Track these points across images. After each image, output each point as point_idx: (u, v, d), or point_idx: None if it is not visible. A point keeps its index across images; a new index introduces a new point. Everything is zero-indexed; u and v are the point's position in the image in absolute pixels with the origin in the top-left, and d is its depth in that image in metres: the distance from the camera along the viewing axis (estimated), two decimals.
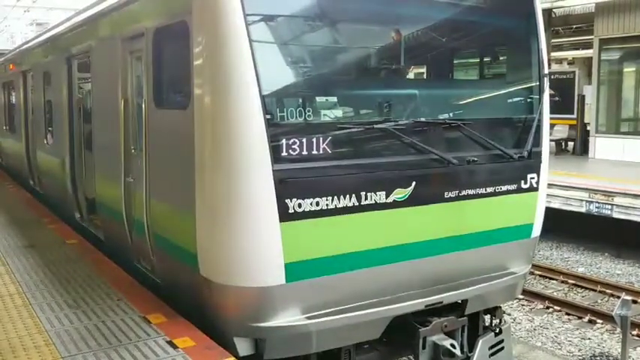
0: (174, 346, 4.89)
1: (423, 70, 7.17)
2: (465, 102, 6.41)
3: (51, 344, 4.93)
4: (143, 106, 6.21)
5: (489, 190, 6.02)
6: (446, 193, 5.73)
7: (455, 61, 7.16)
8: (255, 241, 4.88)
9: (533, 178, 6.35)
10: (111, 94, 7.09)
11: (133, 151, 6.64)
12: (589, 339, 10.23)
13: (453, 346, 5.71)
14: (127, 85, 6.73)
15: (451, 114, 6.12)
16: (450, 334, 5.91)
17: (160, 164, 5.99)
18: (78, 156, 9.25)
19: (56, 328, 5.26)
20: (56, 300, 5.98)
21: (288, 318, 5.08)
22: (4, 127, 16.32)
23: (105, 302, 5.90)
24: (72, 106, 9.25)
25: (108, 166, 7.45)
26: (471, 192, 5.88)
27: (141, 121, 6.27)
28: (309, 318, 5.13)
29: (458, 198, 5.79)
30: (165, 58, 5.92)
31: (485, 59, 7.36)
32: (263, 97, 4.75)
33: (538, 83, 6.44)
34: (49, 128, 10.77)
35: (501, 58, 7.29)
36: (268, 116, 4.77)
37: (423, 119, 5.70)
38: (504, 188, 6.14)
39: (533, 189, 6.38)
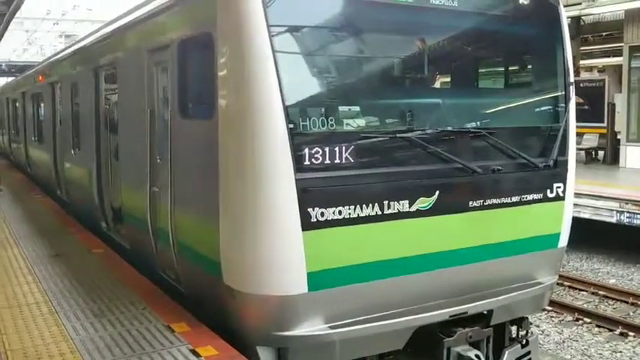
0: (198, 355, 4.90)
1: (448, 79, 7.13)
2: (489, 111, 6.36)
3: (76, 352, 4.97)
4: (168, 116, 6.27)
5: (514, 199, 5.96)
6: (470, 203, 5.68)
7: (479, 70, 7.11)
8: (278, 250, 4.88)
9: (559, 187, 6.27)
10: (137, 104, 7.18)
11: (158, 160, 6.70)
12: (620, 352, 10.00)
13: (477, 357, 5.64)
14: (152, 95, 6.82)
15: (475, 123, 6.07)
16: (475, 345, 5.83)
17: (184, 174, 6.03)
18: (104, 166, 9.36)
19: (81, 336, 5.31)
20: (81, 308, 6.04)
21: (311, 327, 5.06)
22: (33, 138, 16.60)
23: (129, 311, 5.95)
24: (99, 116, 9.38)
25: (134, 175, 7.53)
26: (495, 201, 5.82)
27: (166, 131, 6.34)
28: (332, 327, 5.10)
29: (482, 207, 5.74)
30: (190, 69, 5.97)
31: (510, 68, 7.29)
32: (286, 107, 4.76)
33: (564, 92, 6.37)
34: (76, 139, 10.92)
35: (526, 67, 7.21)
36: (291, 125, 4.78)
37: (446, 128, 5.66)
38: (530, 197, 6.07)
39: (559, 198, 6.30)
